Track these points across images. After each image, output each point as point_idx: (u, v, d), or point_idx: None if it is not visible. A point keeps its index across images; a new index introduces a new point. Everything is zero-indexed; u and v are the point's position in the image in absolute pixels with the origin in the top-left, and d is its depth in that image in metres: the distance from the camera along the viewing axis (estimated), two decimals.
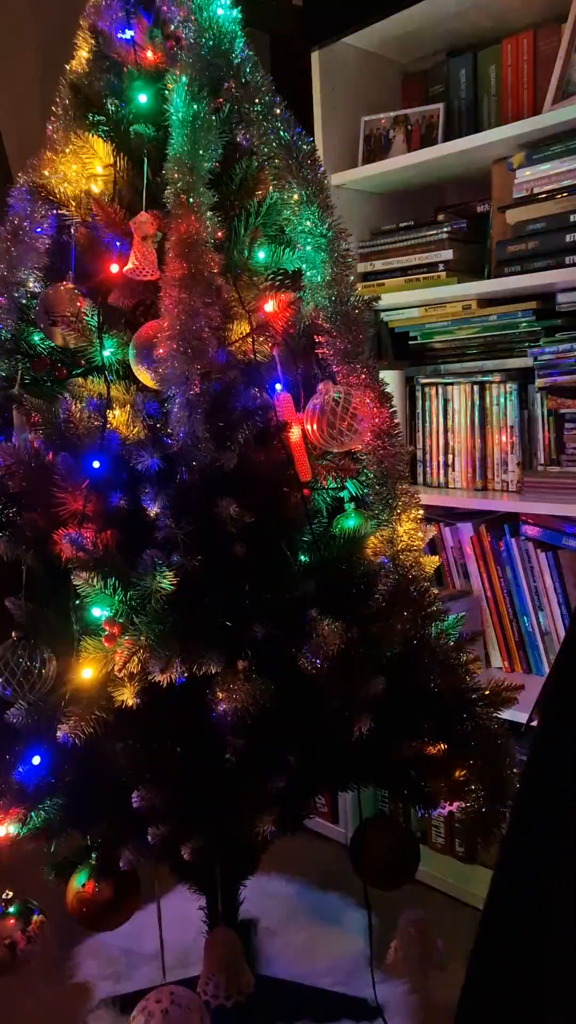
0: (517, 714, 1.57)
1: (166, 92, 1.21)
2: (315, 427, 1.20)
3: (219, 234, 1.22)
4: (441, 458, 2.03)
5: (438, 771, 1.20)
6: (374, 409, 1.23)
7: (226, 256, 1.22)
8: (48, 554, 1.14)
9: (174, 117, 1.17)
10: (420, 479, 2.06)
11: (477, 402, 1.95)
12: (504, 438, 1.91)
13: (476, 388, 1.95)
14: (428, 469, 2.05)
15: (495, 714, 1.25)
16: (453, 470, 2.01)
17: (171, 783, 1.09)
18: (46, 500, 1.14)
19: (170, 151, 1.16)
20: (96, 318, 1.22)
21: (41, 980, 1.68)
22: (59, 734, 1.08)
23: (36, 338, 1.30)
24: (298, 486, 1.18)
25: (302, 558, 1.20)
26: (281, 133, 1.21)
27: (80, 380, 1.26)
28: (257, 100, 1.21)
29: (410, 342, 2.09)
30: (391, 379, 1.77)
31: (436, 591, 1.28)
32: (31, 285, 1.29)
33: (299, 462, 1.20)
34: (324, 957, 1.70)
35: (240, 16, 1.23)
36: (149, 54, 1.28)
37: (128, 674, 1.06)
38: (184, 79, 1.17)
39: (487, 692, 1.26)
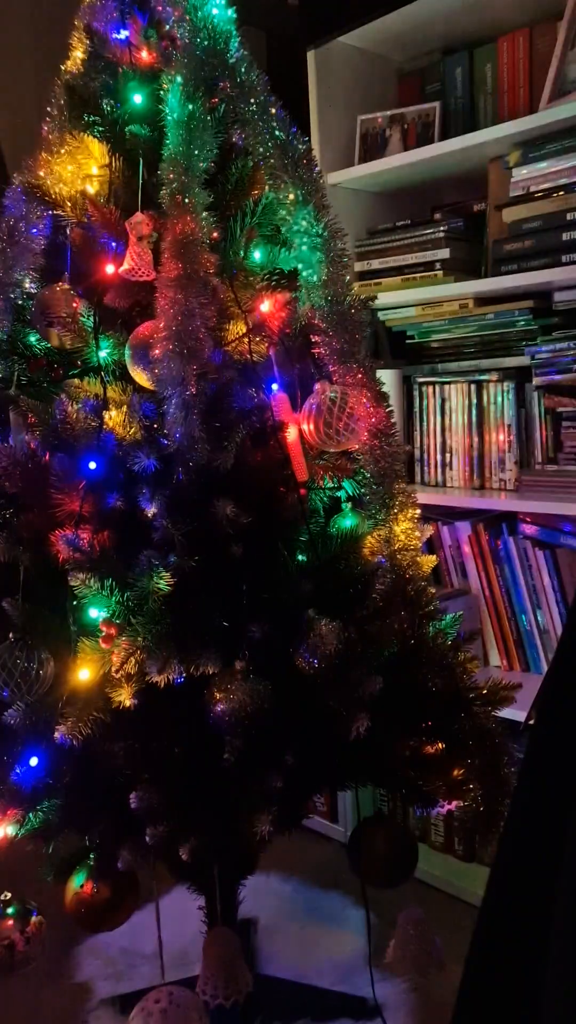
0: (515, 712, 1.57)
1: (161, 92, 1.21)
2: (312, 427, 1.20)
3: (215, 234, 1.22)
4: (439, 457, 2.03)
5: (436, 770, 1.20)
6: (371, 408, 1.23)
7: (222, 256, 1.22)
8: (45, 555, 1.14)
9: (169, 117, 1.17)
10: (418, 478, 2.06)
11: (474, 401, 1.95)
12: (501, 437, 1.91)
13: (473, 387, 1.95)
14: (426, 468, 2.05)
15: (493, 713, 1.26)
16: (451, 469, 2.01)
17: (169, 783, 1.09)
18: (43, 501, 1.14)
19: (165, 151, 1.16)
20: (92, 319, 1.22)
21: (41, 980, 1.68)
22: (57, 735, 1.08)
23: (32, 339, 1.31)
24: (295, 486, 1.19)
25: (299, 558, 1.20)
26: (276, 133, 1.21)
27: (76, 381, 1.26)
28: (252, 100, 1.21)
29: (407, 341, 2.09)
30: (388, 378, 1.77)
31: (433, 590, 1.28)
32: (27, 286, 1.29)
33: (296, 462, 1.20)
34: (323, 956, 1.70)
35: (235, 15, 1.23)
36: (144, 54, 1.28)
37: (125, 675, 1.06)
38: (179, 79, 1.17)
39: (485, 691, 1.26)
